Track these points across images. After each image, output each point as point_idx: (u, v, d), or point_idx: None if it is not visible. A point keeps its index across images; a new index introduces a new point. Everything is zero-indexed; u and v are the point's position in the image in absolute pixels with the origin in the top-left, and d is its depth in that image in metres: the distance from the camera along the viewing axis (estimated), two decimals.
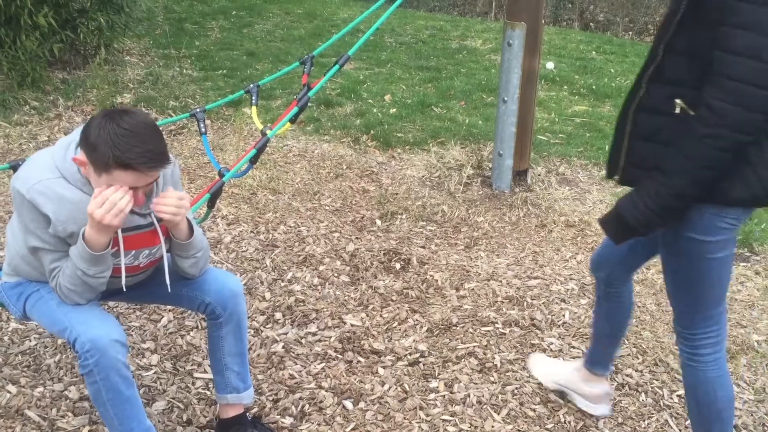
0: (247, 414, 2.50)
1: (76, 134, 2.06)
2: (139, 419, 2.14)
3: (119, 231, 2.02)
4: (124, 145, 1.86)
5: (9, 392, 2.61)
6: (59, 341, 2.88)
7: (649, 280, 3.67)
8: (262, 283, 3.43)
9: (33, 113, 5.24)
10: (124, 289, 2.14)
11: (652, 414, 2.73)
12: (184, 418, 2.57)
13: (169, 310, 3.13)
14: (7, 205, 3.96)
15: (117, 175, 1.89)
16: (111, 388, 2.04)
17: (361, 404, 2.69)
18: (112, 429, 2.13)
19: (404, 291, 3.44)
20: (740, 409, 2.76)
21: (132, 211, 2.06)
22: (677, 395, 2.83)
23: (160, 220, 2.11)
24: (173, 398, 2.66)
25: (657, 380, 2.92)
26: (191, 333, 3.03)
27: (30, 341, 2.89)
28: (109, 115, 1.90)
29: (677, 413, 2.73)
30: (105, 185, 1.92)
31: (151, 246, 2.15)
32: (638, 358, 3.04)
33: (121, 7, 6.27)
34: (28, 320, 2.29)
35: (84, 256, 1.97)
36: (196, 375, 2.78)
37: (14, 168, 2.55)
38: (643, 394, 2.83)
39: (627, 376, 2.93)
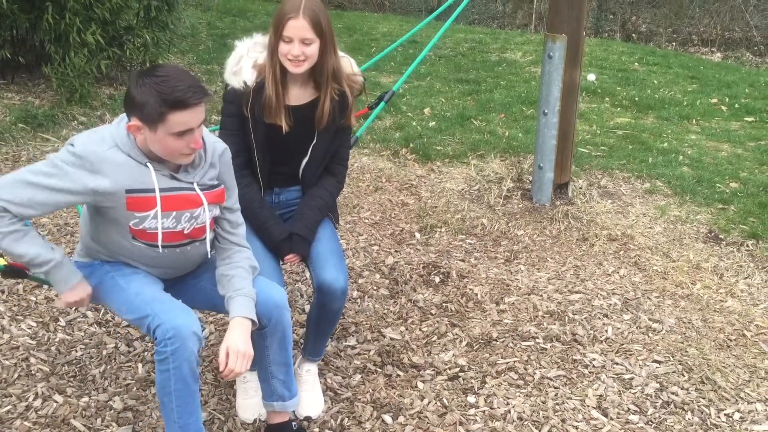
0: (293, 423, 2.52)
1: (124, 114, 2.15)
2: (197, 417, 2.19)
3: (157, 191, 2.10)
4: (168, 88, 1.98)
5: (56, 402, 2.66)
6: (104, 352, 2.93)
7: (695, 295, 3.59)
8: (301, 296, 3.46)
9: (81, 128, 5.37)
10: (161, 251, 2.19)
11: None
12: (225, 430, 2.59)
13: (211, 322, 3.17)
14: None
15: (171, 119, 1.99)
16: (180, 379, 2.09)
17: (401, 418, 2.68)
18: (170, 421, 2.17)
19: (443, 305, 3.42)
20: None
21: (175, 178, 2.15)
22: (725, 414, 2.76)
23: (204, 188, 2.19)
24: (214, 410, 2.68)
25: (704, 398, 2.84)
26: None
27: (76, 351, 2.95)
28: (142, 73, 2.03)
29: None
30: (166, 137, 2.01)
31: (193, 208, 2.19)
32: (684, 376, 2.97)
33: (166, 24, 6.41)
34: (95, 302, 2.35)
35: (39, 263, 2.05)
36: (236, 387, 2.79)
37: None
38: (689, 412, 2.76)
39: (672, 393, 2.86)
